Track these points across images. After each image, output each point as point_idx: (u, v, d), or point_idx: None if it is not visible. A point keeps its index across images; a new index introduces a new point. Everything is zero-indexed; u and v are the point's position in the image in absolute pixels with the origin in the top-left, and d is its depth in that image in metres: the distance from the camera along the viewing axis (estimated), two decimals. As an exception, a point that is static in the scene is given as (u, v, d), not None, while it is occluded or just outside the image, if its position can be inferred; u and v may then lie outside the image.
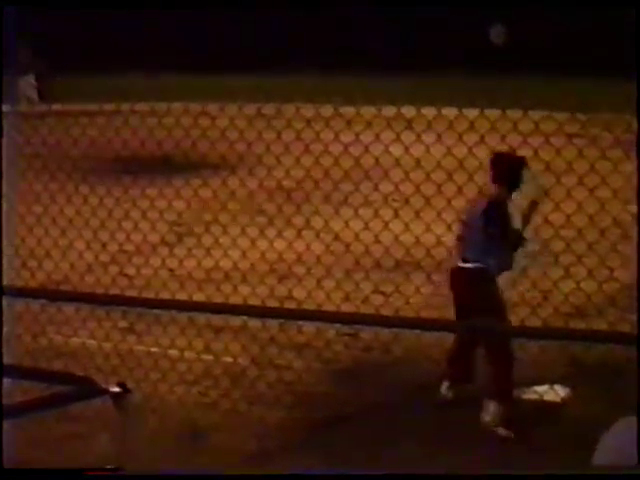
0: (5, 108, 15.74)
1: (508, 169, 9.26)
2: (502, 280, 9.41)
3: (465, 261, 9.36)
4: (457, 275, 9.47)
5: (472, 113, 8.08)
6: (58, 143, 11.88)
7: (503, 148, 9.12)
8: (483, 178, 9.45)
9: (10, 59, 32.96)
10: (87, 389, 5.69)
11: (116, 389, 5.40)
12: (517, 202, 9.28)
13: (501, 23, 33.44)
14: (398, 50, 34.21)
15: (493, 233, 9.10)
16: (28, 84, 33.68)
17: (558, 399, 9.82)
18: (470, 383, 9.66)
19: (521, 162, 9.24)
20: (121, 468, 5.45)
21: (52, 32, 34.68)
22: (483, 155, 8.96)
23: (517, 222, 9.21)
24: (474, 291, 9.23)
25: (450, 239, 9.82)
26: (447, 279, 9.66)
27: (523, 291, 9.86)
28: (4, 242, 9.53)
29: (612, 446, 4.17)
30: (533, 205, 9.26)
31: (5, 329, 7.66)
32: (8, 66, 32.50)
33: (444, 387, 9.71)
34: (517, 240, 9.19)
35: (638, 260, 7.00)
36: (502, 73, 30.10)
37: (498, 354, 9.19)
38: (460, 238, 9.60)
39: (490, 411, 9.21)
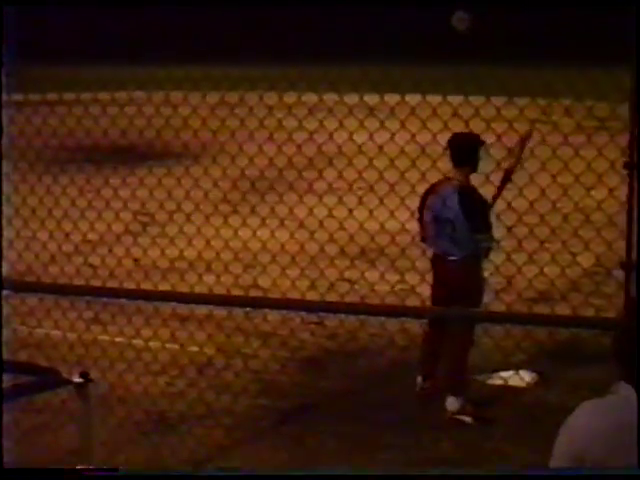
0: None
1: (468, 149, 9.23)
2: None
3: (447, 252, 9.33)
4: (439, 263, 9.44)
5: (435, 100, 8.04)
6: (20, 133, 11.76)
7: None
8: (447, 164, 9.42)
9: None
10: (50, 379, 5.66)
11: (79, 379, 5.35)
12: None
13: (463, 9, 33.53)
14: (360, 37, 34.18)
15: (477, 224, 9.08)
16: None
17: (523, 384, 9.85)
18: (435, 373, 9.66)
19: (478, 140, 9.22)
20: (121, 468, 5.41)
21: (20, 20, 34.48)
22: (446, 141, 8.95)
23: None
24: (455, 281, 9.20)
25: (414, 226, 9.79)
26: (430, 268, 9.61)
27: (487, 276, 9.86)
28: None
29: (577, 425, 4.20)
30: (506, 176, 9.25)
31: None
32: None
33: (419, 380, 9.68)
34: (488, 223, 9.18)
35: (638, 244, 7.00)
36: (464, 60, 30.17)
37: (456, 343, 9.20)
38: (425, 224, 9.55)
39: (451, 403, 9.24)
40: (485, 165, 9.27)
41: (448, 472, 4.93)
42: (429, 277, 9.70)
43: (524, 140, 9.21)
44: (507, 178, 9.24)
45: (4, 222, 8.46)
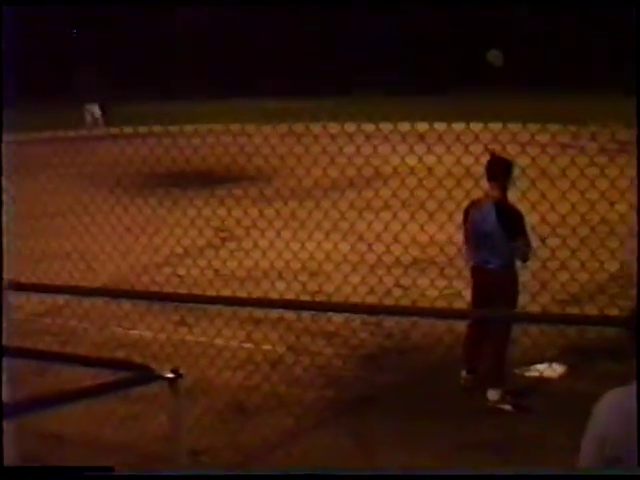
0: (70, 133, 15.82)
1: (503, 169, 9.22)
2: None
3: (486, 261, 9.29)
4: (479, 274, 9.40)
5: (477, 127, 8.05)
6: (115, 162, 11.91)
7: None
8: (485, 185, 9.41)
9: (75, 87, 33.26)
10: (145, 375, 5.71)
11: (170, 374, 5.41)
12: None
13: (497, 47, 33.42)
14: (410, 75, 34.15)
15: (514, 234, 9.05)
16: (92, 111, 33.89)
17: (555, 375, 9.81)
18: (477, 367, 9.63)
19: (511, 162, 9.22)
20: (120, 468, 5.42)
21: (114, 63, 34.82)
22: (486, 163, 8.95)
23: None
24: (495, 288, 9.17)
25: (460, 238, 9.76)
26: (470, 277, 9.58)
27: (525, 281, 9.83)
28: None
29: (599, 412, 4.28)
30: None
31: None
32: (74, 94, 32.81)
33: (463, 373, 9.67)
34: (524, 233, 9.15)
35: (638, 251, 6.95)
36: (500, 91, 30.11)
37: (497, 341, 9.19)
38: (469, 237, 9.52)
39: (491, 394, 9.21)
40: (520, 183, 9.27)
41: (449, 472, 4.84)
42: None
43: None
44: None
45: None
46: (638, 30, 6.43)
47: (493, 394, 9.21)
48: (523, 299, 9.56)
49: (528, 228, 9.14)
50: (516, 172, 9.21)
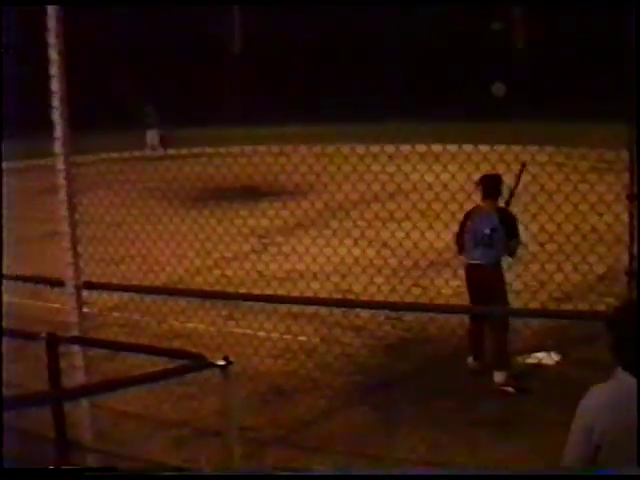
0: (134, 153, 16.06)
1: (494, 185, 9.39)
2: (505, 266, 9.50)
3: (475, 259, 9.45)
4: (473, 270, 9.52)
5: (484, 148, 8.11)
6: (173, 178, 12.03)
7: (508, 176, 9.15)
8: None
9: (140, 116, 33.55)
10: (201, 362, 5.80)
11: (222, 362, 5.49)
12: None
13: (500, 80, 33.65)
14: (422, 105, 34.07)
15: (511, 232, 9.21)
16: (153, 135, 34.14)
17: (552, 362, 9.85)
18: (482, 354, 9.69)
19: (500, 178, 9.36)
20: (121, 468, 5.47)
21: (170, 95, 35.02)
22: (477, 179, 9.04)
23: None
24: (487, 282, 9.30)
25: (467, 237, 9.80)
26: (465, 274, 9.68)
27: (526, 281, 9.87)
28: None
29: (586, 404, 4.32)
30: (511, 193, 9.38)
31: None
32: (138, 122, 33.10)
33: (470, 360, 9.75)
34: (517, 234, 9.32)
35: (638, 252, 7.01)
36: (503, 119, 30.20)
37: (498, 331, 9.26)
38: (462, 239, 9.63)
39: (497, 376, 9.26)
40: (524, 197, 9.38)
41: (448, 473, 4.77)
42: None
43: (521, 170, 9.30)
44: (511, 194, 9.37)
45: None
46: (638, 30, 6.32)
47: (499, 376, 9.26)
48: (525, 297, 9.63)
49: (521, 227, 9.29)
50: (519, 189, 9.32)
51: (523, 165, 9.10)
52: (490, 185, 9.42)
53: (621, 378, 4.25)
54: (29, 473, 3.95)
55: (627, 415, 4.14)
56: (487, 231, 9.32)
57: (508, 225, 9.26)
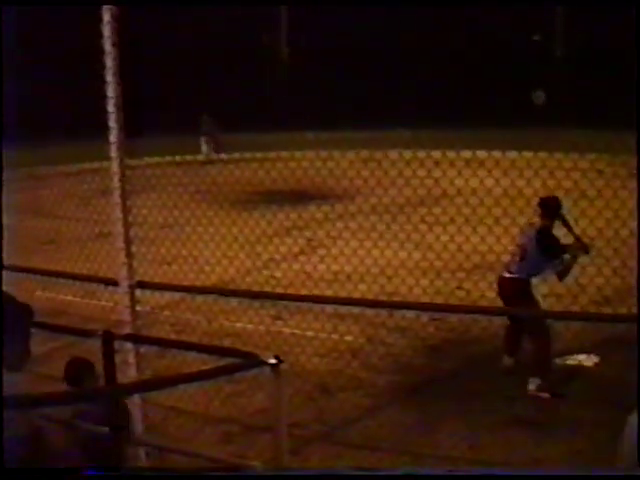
0: (188, 158, 16.18)
1: (553, 208, 9.40)
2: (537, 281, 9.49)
3: (510, 272, 9.49)
4: (503, 282, 9.57)
5: (528, 155, 8.10)
6: (224, 182, 12.14)
7: (551, 182, 9.11)
8: (535, 203, 9.50)
9: (197, 124, 33.92)
10: (252, 361, 5.83)
11: (273, 360, 5.53)
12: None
13: (541, 88, 33.50)
14: (468, 113, 33.98)
15: (548, 254, 9.22)
16: (208, 141, 34.43)
17: (591, 364, 9.83)
18: (517, 355, 9.70)
19: (559, 201, 9.37)
20: (120, 468, 5.48)
21: (224, 102, 35.27)
22: (537, 185, 8.97)
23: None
24: (512, 292, 9.35)
25: (514, 249, 9.81)
26: (496, 285, 9.71)
27: (569, 285, 9.84)
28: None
29: (634, 421, 4.20)
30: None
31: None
32: (195, 129, 33.46)
33: (505, 358, 9.75)
34: (561, 254, 9.30)
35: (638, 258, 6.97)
36: (543, 126, 30.09)
37: (536, 336, 9.23)
38: (513, 256, 9.69)
39: (532, 382, 9.22)
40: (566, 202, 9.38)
41: (448, 472, 4.73)
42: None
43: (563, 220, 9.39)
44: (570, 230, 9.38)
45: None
46: (638, 30, 6.23)
47: (532, 384, 9.23)
48: (566, 300, 9.60)
49: (569, 251, 9.26)
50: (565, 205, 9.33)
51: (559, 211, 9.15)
52: (545, 206, 9.45)
53: None
54: (29, 473, 3.82)
55: None
56: (528, 246, 9.38)
57: (545, 246, 9.28)
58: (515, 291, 9.33)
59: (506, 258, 9.72)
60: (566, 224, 9.49)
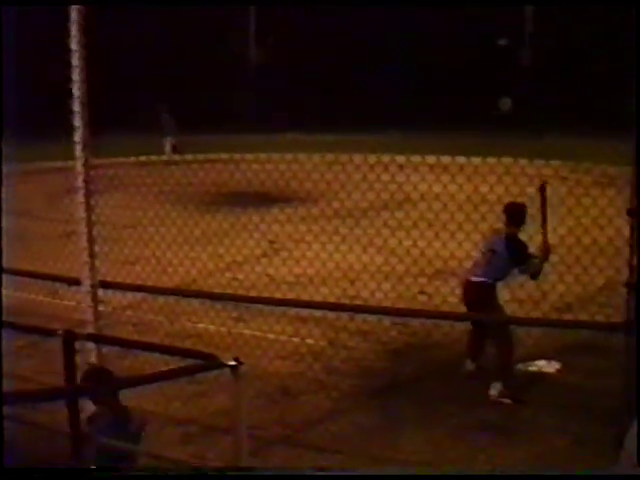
0: (152, 158, 16.12)
1: (518, 214, 9.37)
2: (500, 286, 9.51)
3: (475, 275, 9.48)
4: (468, 285, 9.56)
5: (491, 161, 8.14)
6: (188, 183, 12.07)
7: (514, 189, 9.15)
8: (498, 209, 9.50)
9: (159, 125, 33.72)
10: (212, 362, 5.81)
11: (233, 362, 5.51)
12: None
13: (507, 95, 33.80)
14: (434, 118, 34.12)
15: (517, 259, 9.20)
16: (169, 142, 34.22)
17: (552, 370, 9.85)
18: (479, 359, 9.71)
19: (524, 207, 9.36)
20: (121, 468, 5.45)
21: (187, 103, 35.14)
22: (500, 191, 9.00)
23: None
24: (478, 296, 9.34)
25: (476, 254, 9.82)
26: (460, 289, 9.72)
27: (530, 291, 9.87)
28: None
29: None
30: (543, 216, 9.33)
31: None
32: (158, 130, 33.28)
33: (467, 363, 9.77)
34: (528, 259, 9.27)
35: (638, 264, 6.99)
36: (509, 132, 30.30)
37: (499, 341, 9.24)
38: (478, 261, 9.68)
39: (494, 387, 9.22)
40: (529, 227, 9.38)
41: (448, 472, 4.72)
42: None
43: (541, 191, 9.24)
44: (544, 219, 9.29)
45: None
46: (638, 30, 6.25)
47: (494, 389, 9.23)
48: (527, 306, 9.63)
49: (535, 253, 9.24)
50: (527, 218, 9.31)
51: (543, 187, 9.04)
52: (512, 213, 9.40)
53: None
54: (29, 473, 3.85)
55: None
56: (487, 252, 9.38)
57: (516, 250, 9.24)
58: (480, 295, 9.32)
59: (469, 263, 9.72)
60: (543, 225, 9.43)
